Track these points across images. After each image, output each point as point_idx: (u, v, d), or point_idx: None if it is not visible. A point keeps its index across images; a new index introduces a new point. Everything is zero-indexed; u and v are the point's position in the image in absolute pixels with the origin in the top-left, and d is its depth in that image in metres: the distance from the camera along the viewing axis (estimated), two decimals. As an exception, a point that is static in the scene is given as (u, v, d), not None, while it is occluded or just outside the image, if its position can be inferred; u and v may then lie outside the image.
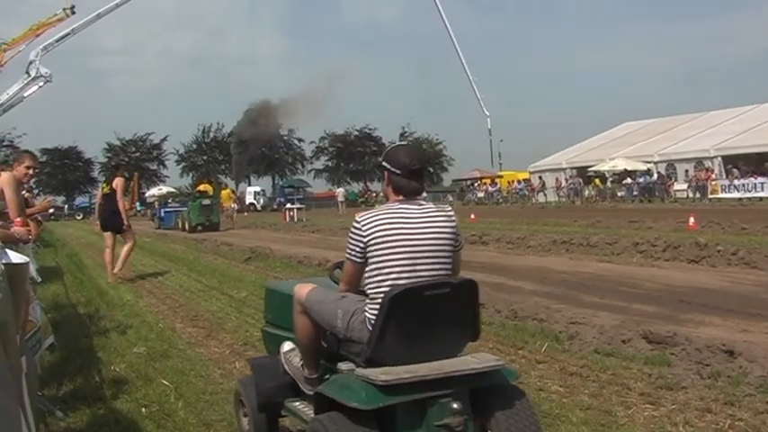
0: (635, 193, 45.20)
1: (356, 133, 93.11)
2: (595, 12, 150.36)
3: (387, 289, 3.59)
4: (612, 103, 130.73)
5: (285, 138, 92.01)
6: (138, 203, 71.30)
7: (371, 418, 3.44)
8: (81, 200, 74.84)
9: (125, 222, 13.52)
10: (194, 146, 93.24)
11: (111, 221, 13.53)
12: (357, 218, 3.76)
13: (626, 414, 4.97)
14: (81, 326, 9.07)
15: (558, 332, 7.37)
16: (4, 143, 76.00)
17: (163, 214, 40.75)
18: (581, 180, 50.84)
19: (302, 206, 46.94)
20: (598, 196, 47.99)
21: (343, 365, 3.73)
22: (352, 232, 3.75)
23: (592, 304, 9.35)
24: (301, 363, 4.19)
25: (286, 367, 4.31)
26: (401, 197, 3.78)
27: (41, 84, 52.01)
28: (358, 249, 3.72)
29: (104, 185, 14.03)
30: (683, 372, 5.81)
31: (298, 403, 4.29)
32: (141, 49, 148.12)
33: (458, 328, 3.75)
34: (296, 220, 39.46)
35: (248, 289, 11.63)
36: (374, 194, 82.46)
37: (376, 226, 3.67)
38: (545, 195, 55.27)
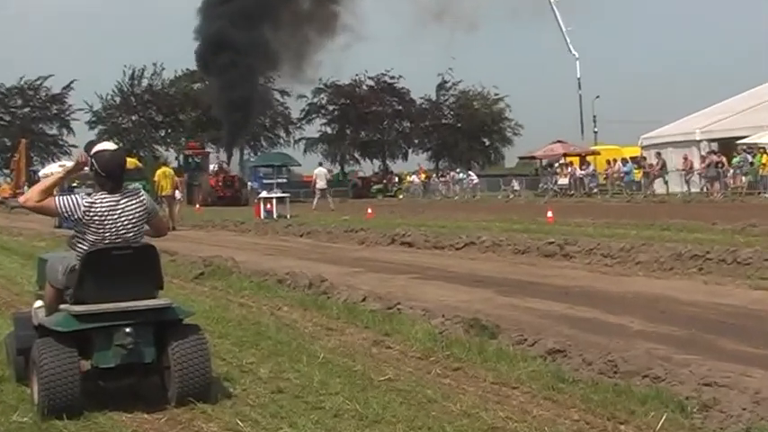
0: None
1: (370, 83, 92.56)
2: None
3: (86, 248, 7.57)
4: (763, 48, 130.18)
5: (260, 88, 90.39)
6: (25, 185, 69.01)
7: (72, 340, 7.20)
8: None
9: None
10: (117, 99, 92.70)
11: None
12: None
13: None
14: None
15: (685, 398, 7.43)
16: None
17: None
18: (724, 160, 50.41)
19: (285, 194, 46.74)
20: (753, 186, 47.63)
21: (61, 306, 7.52)
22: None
23: (740, 356, 9.43)
24: (46, 314, 7.77)
25: (34, 319, 8.04)
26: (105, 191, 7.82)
27: None
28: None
29: None
30: None
31: None
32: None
33: (142, 277, 7.58)
34: (275, 216, 39.31)
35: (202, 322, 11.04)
36: (395, 178, 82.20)
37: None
38: (665, 183, 55.08)
